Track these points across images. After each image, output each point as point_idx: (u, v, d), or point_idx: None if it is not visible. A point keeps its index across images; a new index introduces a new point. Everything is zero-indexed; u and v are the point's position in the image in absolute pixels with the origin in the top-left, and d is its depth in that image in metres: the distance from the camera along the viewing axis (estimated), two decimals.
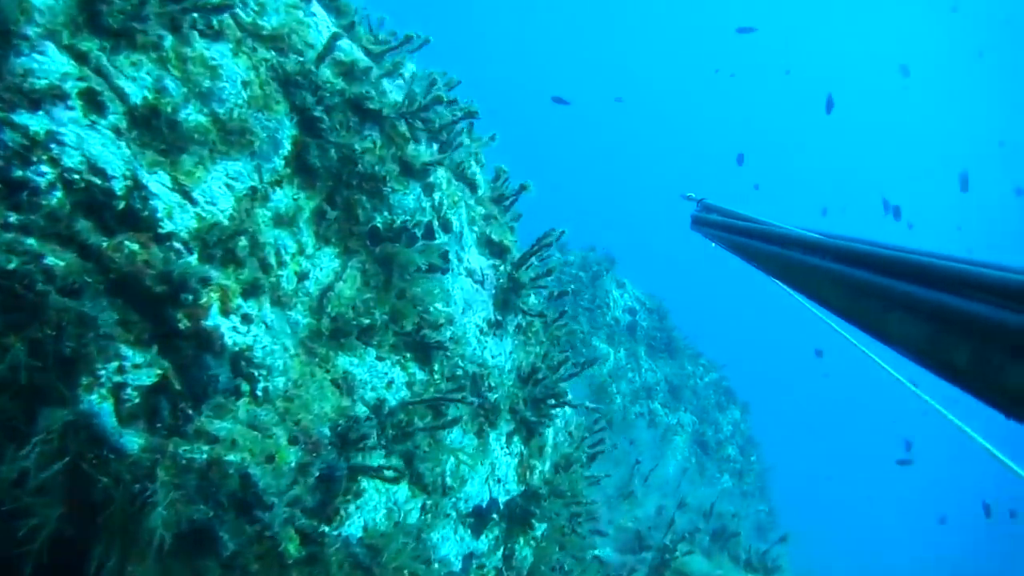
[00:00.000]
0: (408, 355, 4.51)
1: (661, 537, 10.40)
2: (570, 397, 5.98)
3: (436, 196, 4.49)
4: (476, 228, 5.22)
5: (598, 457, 6.91)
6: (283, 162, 3.71)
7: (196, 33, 3.43)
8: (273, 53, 3.71)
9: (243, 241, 3.67)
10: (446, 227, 4.61)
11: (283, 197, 3.76)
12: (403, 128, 4.18)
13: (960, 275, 1.48)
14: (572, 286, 15.07)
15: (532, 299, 5.73)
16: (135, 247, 3.30)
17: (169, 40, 3.30)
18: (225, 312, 3.69)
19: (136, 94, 3.21)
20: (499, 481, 5.27)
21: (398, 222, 4.17)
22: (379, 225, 4.13)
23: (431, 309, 4.47)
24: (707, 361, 18.50)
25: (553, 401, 5.40)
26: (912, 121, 69.52)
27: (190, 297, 3.38)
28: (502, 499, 5.32)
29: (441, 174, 4.55)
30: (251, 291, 3.72)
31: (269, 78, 3.65)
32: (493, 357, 5.03)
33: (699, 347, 18.42)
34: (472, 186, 5.24)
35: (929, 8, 58.68)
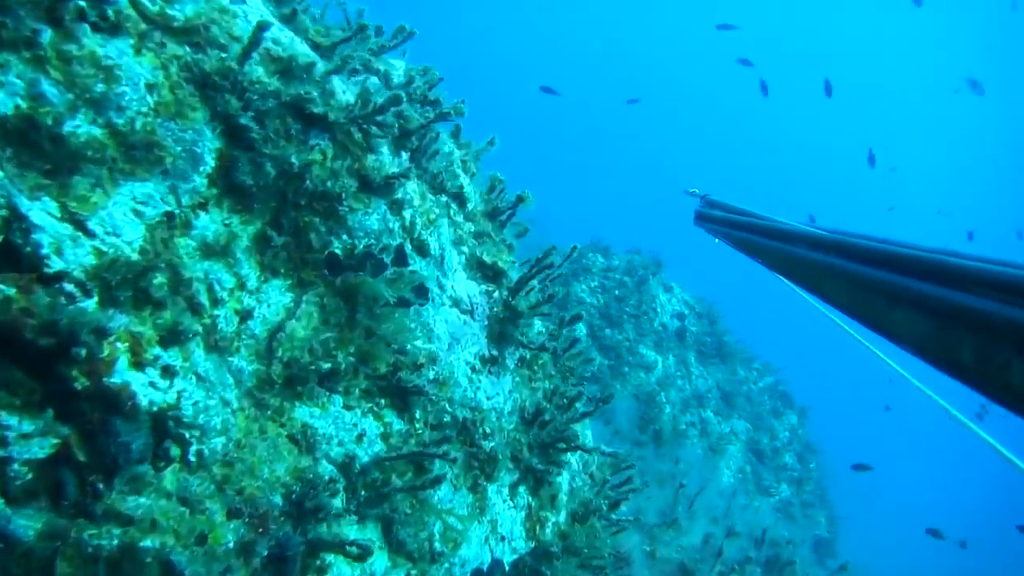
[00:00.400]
0: (383, 402, 3.78)
1: (708, 571, 9.51)
2: (586, 438, 5.19)
3: (406, 214, 3.75)
4: (465, 248, 4.48)
5: (633, 485, 6.06)
6: (206, 181, 3.00)
7: (86, 27, 2.69)
8: (187, 49, 3.00)
9: (159, 278, 2.96)
10: (422, 250, 3.87)
11: (210, 223, 3.05)
12: (359, 135, 3.41)
13: (965, 271, 1.46)
14: (617, 291, 14.29)
15: (536, 327, 4.93)
16: (11, 292, 2.59)
17: (48, 35, 2.57)
18: (138, 365, 2.99)
19: (4, 103, 2.48)
20: (503, 539, 4.51)
21: (360, 247, 3.44)
22: (338, 251, 3.41)
23: (408, 347, 3.74)
24: (761, 365, 17.54)
25: (563, 445, 4.59)
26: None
27: (83, 351, 2.65)
28: (508, 558, 4.55)
29: (412, 188, 3.80)
30: (174, 337, 3.02)
31: (182, 80, 2.93)
32: (489, 398, 4.27)
33: (753, 350, 17.38)
34: (460, 199, 4.50)
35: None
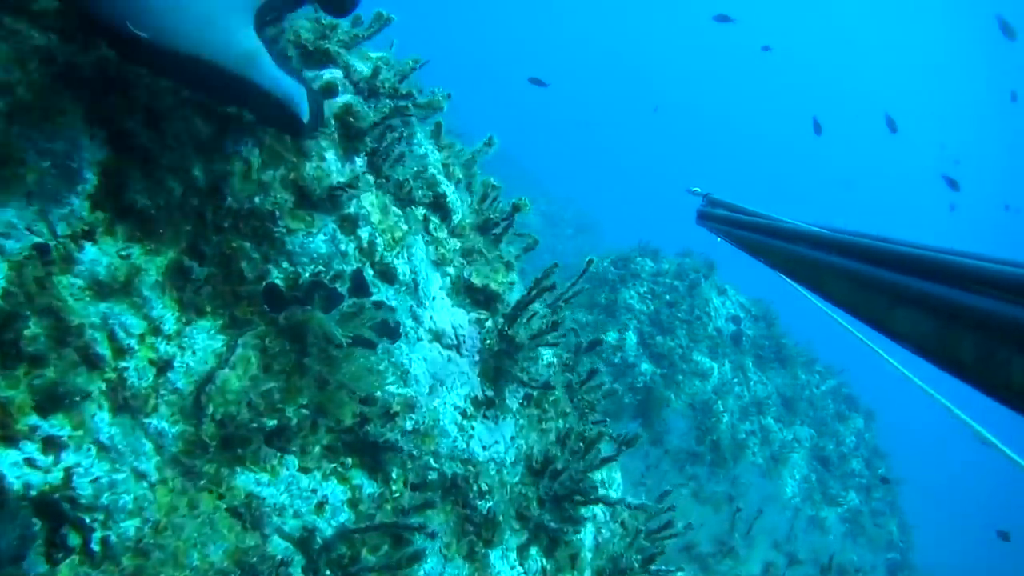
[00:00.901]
0: (349, 461, 3.08)
1: None
2: (612, 483, 4.38)
3: (363, 233, 3.02)
4: (450, 270, 3.73)
5: (674, 530, 5.19)
6: (89, 203, 2.25)
7: None
8: (53, 36, 2.25)
9: (33, 328, 2.25)
10: (387, 276, 3.13)
11: (101, 255, 2.35)
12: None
13: (966, 270, 1.46)
14: (668, 296, 13.55)
15: (545, 358, 4.15)
16: None
17: None
18: (7, 440, 2.27)
19: None
20: None
21: (306, 276, 2.72)
22: (279, 282, 2.67)
23: (377, 394, 2.98)
24: (823, 367, 16.57)
25: (581, 498, 3.79)
26: None
27: None
28: None
29: (369, 201, 3.08)
30: (58, 400, 2.29)
31: (43, 73, 2.20)
32: (485, 448, 3.52)
33: (813, 352, 16.33)
34: (442, 211, 3.77)
35: None
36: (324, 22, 3.71)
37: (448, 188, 3.92)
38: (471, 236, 4.04)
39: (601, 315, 13.40)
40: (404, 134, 3.43)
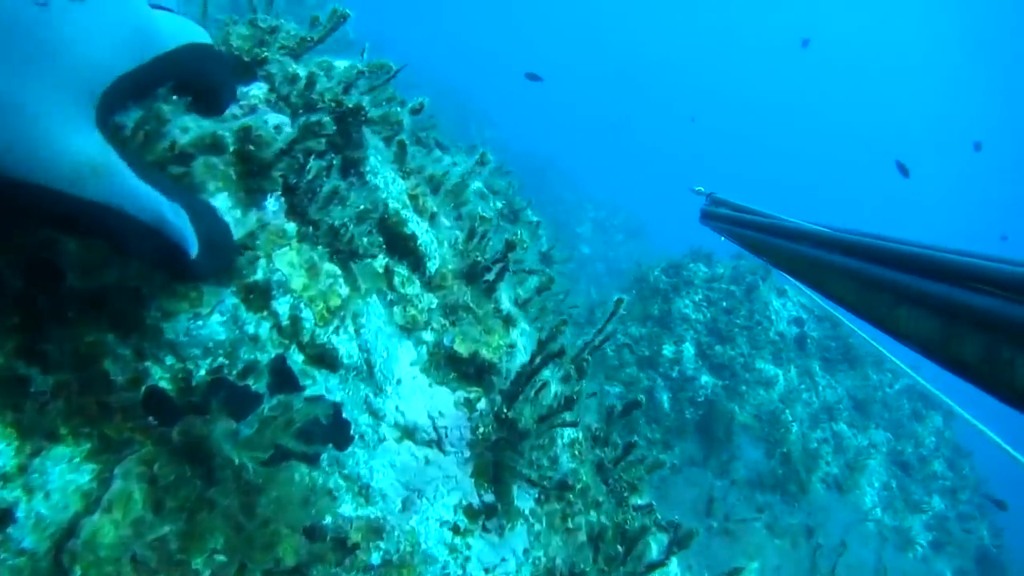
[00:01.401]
0: None
1: None
2: None
3: (281, 306, 2.10)
4: (426, 336, 2.83)
5: None
6: None
7: None
8: None
9: None
10: (326, 360, 2.20)
11: None
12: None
13: (970, 269, 1.45)
14: (724, 303, 12.86)
15: (567, 435, 3.17)
16: None
17: None
18: None
19: None
20: None
21: (202, 372, 1.80)
22: (164, 385, 1.76)
23: (327, 521, 2.05)
24: (894, 365, 15.04)
25: None
26: None
27: None
28: None
29: (287, 260, 2.15)
30: None
31: None
32: (488, 572, 2.52)
33: (882, 350, 15.02)
34: (413, 258, 2.81)
35: None
36: (263, 24, 2.83)
37: (418, 227, 3.01)
38: (455, 287, 3.12)
39: (655, 327, 12.51)
40: (335, 163, 2.50)
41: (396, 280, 2.93)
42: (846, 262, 1.91)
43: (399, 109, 2.82)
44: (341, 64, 3.11)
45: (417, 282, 3.08)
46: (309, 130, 2.21)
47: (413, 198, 3.30)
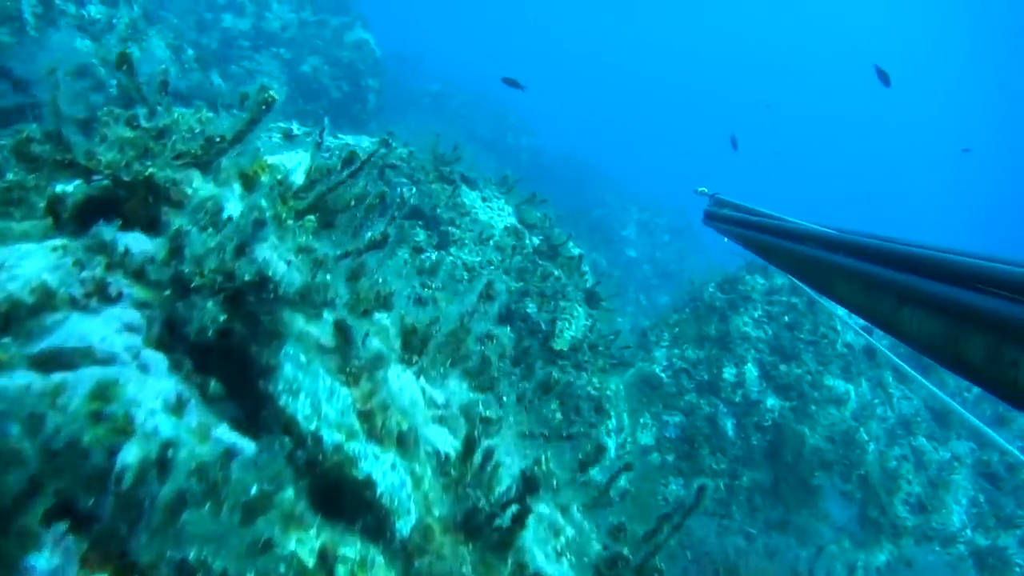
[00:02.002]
0: None
1: None
2: None
3: None
4: None
5: None
6: None
7: None
8: None
9: None
10: None
11: None
12: None
13: (973, 270, 1.46)
14: (786, 317, 12.57)
15: None
16: None
17: None
18: None
19: None
20: None
21: None
22: None
23: None
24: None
25: None
26: None
27: None
28: None
29: None
30: None
31: None
32: None
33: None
34: (370, 515, 1.91)
35: None
36: (146, 124, 2.03)
37: (377, 465, 2.02)
38: (446, 548, 2.17)
39: (713, 349, 11.76)
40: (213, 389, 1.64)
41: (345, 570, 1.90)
42: (850, 263, 1.91)
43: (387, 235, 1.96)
44: (275, 173, 2.29)
45: (380, 559, 2.04)
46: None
47: (367, 416, 2.24)
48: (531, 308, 8.25)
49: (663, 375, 11.38)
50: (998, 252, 1.47)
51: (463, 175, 9.25)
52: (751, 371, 11.35)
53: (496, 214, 9.27)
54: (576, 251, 9.68)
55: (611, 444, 7.98)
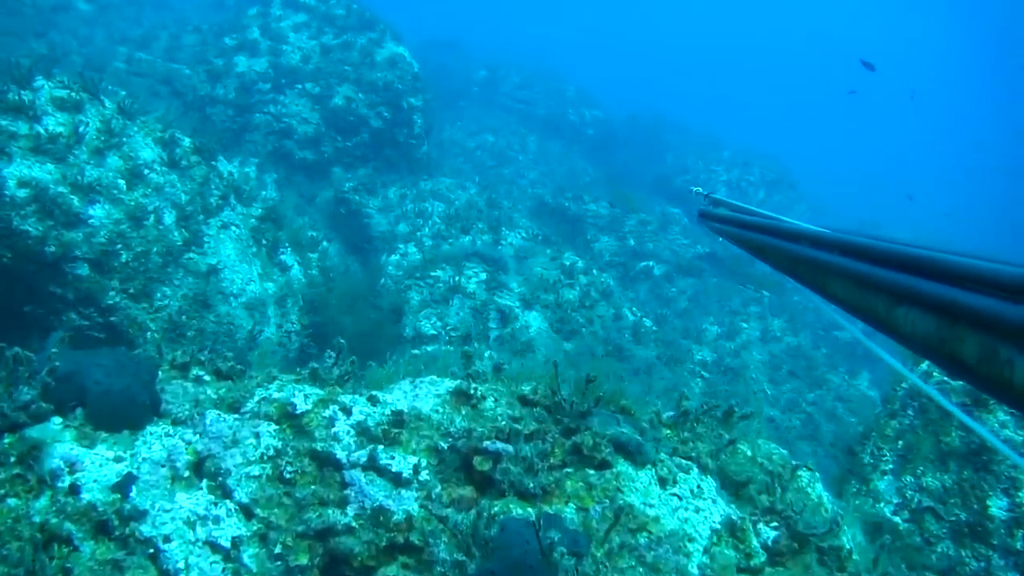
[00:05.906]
0: None
1: None
2: None
3: None
4: None
5: None
6: None
7: None
8: None
9: None
10: None
11: None
12: None
13: (968, 269, 1.36)
14: None
15: None
16: None
17: None
18: None
19: None
20: None
21: None
22: None
23: None
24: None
25: None
26: None
27: None
28: None
29: None
30: None
31: None
32: None
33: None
34: None
35: None
36: None
37: None
38: None
39: (967, 470, 7.62)
40: None
41: None
42: (844, 263, 1.79)
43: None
44: None
45: None
46: None
47: None
48: None
49: (896, 518, 7.51)
50: (995, 254, 1.34)
51: (615, 441, 5.25)
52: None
53: (691, 512, 5.30)
54: None
55: None
